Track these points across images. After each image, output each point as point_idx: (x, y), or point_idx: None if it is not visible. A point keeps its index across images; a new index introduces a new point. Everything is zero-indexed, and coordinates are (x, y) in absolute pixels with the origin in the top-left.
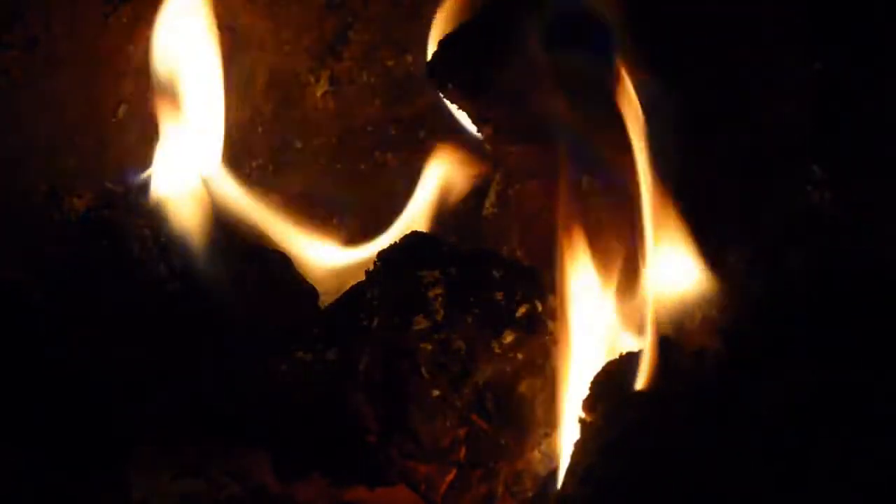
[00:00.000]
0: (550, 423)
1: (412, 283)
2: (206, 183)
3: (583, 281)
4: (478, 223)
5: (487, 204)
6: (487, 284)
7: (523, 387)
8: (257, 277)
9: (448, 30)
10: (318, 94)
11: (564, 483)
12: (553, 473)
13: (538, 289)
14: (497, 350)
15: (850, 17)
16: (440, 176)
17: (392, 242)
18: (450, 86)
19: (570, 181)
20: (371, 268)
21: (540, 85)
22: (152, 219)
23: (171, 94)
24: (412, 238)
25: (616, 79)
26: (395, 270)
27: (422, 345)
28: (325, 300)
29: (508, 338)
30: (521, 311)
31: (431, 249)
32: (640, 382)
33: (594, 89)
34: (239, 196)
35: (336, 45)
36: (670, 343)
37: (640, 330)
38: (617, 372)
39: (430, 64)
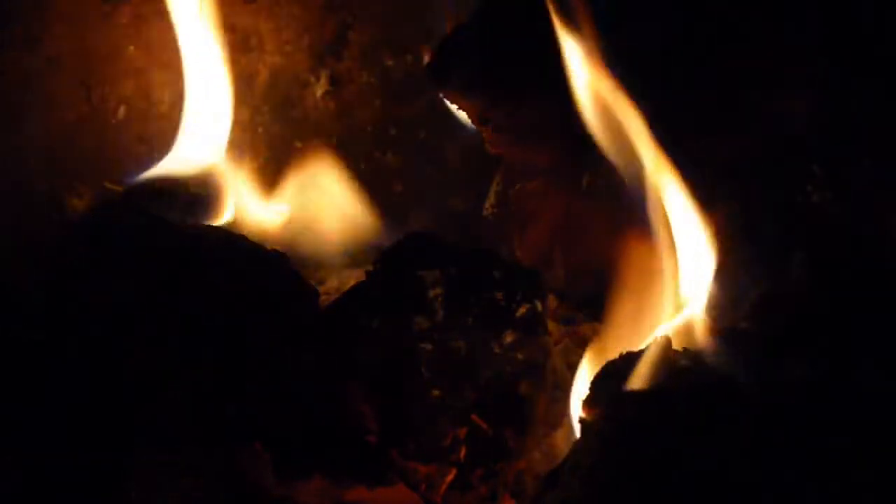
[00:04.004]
0: (550, 423)
1: (412, 283)
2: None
3: (583, 280)
4: (478, 223)
5: (487, 204)
6: (487, 284)
7: (523, 387)
8: (257, 277)
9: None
10: (318, 94)
11: (564, 483)
12: (553, 473)
13: (538, 289)
14: (497, 350)
15: (851, 18)
16: None
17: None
18: (450, 86)
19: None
20: (371, 268)
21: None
22: (152, 217)
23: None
24: (412, 238)
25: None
26: (395, 270)
27: (422, 345)
28: (326, 300)
29: (508, 338)
30: (521, 311)
31: (431, 249)
32: (640, 382)
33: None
34: (240, 195)
35: (336, 45)
36: (670, 343)
37: (640, 330)
38: (617, 372)
39: (430, 64)
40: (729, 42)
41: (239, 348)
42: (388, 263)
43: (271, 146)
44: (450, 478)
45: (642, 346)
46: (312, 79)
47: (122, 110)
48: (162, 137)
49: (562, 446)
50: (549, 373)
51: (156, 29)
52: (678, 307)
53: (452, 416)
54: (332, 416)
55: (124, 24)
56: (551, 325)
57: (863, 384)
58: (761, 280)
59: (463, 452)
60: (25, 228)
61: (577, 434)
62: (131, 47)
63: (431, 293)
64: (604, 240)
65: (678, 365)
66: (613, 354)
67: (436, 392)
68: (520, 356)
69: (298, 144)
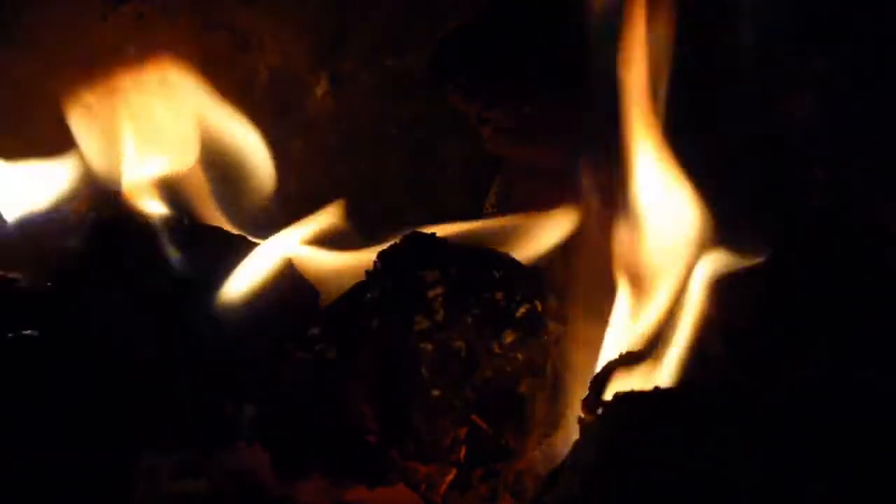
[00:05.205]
0: (550, 423)
1: (412, 283)
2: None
3: (584, 281)
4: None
5: (487, 204)
6: (487, 284)
7: (523, 387)
8: (258, 278)
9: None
10: (319, 94)
11: (564, 483)
12: (553, 473)
13: (538, 289)
14: (497, 350)
15: (851, 19)
16: None
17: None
18: (450, 86)
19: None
20: (371, 268)
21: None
22: (152, 218)
23: None
24: (412, 238)
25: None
26: (395, 270)
27: (422, 345)
28: (325, 300)
29: (508, 338)
30: (521, 311)
31: (431, 249)
32: (641, 382)
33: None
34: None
35: (336, 45)
36: (668, 343)
37: (640, 329)
38: (617, 372)
39: (430, 64)
40: (729, 41)
41: (239, 348)
42: (388, 263)
43: (271, 146)
44: (450, 478)
45: (641, 347)
46: (312, 79)
47: None
48: None
49: (562, 446)
50: (549, 373)
51: (156, 29)
52: (677, 306)
53: (452, 416)
54: (332, 416)
55: (124, 24)
56: (551, 325)
57: (863, 384)
58: (761, 280)
59: (463, 452)
60: (25, 228)
61: (577, 434)
62: (131, 47)
63: (431, 293)
64: (604, 240)
65: (678, 365)
66: (613, 354)
67: (436, 392)
68: (520, 356)
69: (298, 144)
